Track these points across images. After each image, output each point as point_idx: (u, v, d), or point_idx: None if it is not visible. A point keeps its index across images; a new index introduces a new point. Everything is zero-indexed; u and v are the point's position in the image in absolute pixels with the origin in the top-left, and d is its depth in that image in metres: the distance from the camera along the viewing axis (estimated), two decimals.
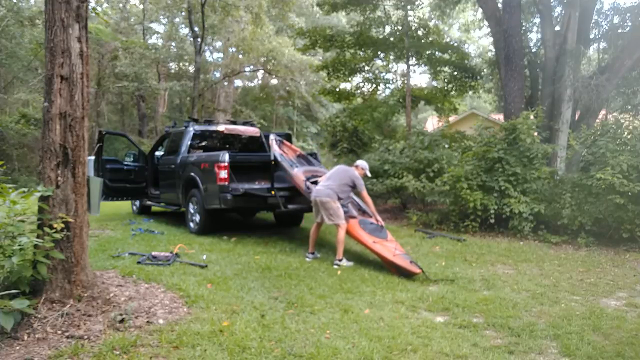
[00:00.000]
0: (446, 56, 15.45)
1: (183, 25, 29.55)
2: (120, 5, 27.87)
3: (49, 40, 3.69)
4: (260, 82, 34.07)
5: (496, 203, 8.09)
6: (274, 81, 31.99)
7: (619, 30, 11.60)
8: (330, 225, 6.31)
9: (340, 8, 15.44)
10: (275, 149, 7.53)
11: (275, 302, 4.29)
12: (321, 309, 4.10)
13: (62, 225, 3.59)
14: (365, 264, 5.96)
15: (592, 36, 11.97)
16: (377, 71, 17.50)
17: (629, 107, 12.17)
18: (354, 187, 6.23)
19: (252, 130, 8.98)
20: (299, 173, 7.17)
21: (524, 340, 3.51)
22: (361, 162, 6.50)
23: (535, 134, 8.78)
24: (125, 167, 9.40)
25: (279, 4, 24.49)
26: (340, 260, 5.94)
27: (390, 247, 5.74)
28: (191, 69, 28.31)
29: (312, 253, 6.30)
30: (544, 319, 4.00)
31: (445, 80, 16.18)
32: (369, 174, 6.66)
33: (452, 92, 16.34)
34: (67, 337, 3.29)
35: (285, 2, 24.10)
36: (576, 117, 10.92)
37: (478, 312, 4.17)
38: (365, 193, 6.23)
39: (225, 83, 30.71)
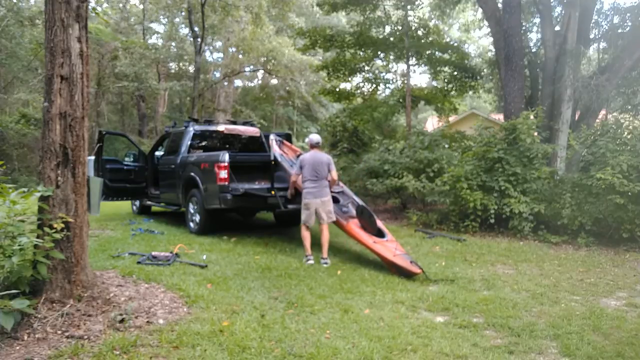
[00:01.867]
0: (446, 56, 15.44)
1: (183, 25, 29.57)
2: (120, 5, 27.86)
3: (49, 40, 3.69)
4: (260, 82, 34.08)
5: (496, 203, 8.09)
6: (274, 81, 32.01)
7: (619, 30, 11.59)
8: (330, 225, 6.27)
9: (340, 8, 15.43)
10: (276, 149, 7.53)
11: (275, 302, 4.29)
12: (321, 309, 4.10)
13: (62, 225, 3.59)
14: (365, 264, 5.96)
15: (592, 36, 11.96)
16: (377, 71, 17.49)
17: (629, 107, 12.15)
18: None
19: (252, 130, 8.98)
20: None
21: (524, 340, 3.51)
22: (314, 138, 6.32)
23: (535, 134, 8.78)
24: (125, 167, 9.40)
25: (279, 4, 24.48)
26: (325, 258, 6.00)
27: (390, 247, 5.74)
28: (191, 69, 28.32)
29: (311, 255, 6.11)
30: (544, 319, 4.00)
31: (445, 80, 16.17)
32: None
33: (452, 92, 16.33)
34: (67, 337, 3.29)
35: (285, 2, 24.09)
36: (576, 117, 10.92)
37: (478, 312, 4.17)
38: (335, 173, 6.21)
39: (225, 83, 30.71)
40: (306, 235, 6.12)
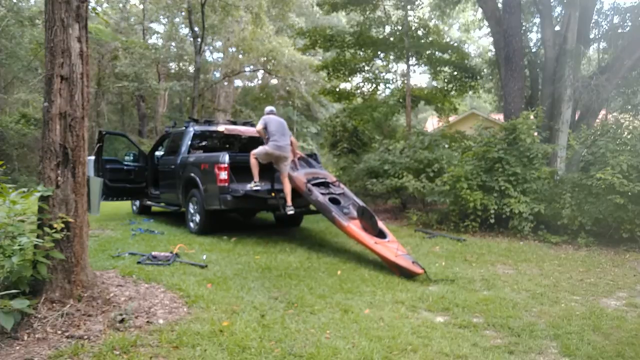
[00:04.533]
0: (446, 56, 15.43)
1: (183, 25, 29.56)
2: (120, 5, 27.87)
3: (49, 40, 3.69)
4: (260, 82, 34.08)
5: (496, 203, 8.09)
6: (274, 81, 32.00)
7: (619, 30, 11.61)
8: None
9: (340, 8, 15.43)
10: None
11: (275, 302, 4.29)
12: (321, 309, 4.10)
13: (62, 225, 3.59)
14: (365, 264, 5.96)
15: (592, 36, 11.98)
16: (377, 71, 17.48)
17: (629, 107, 12.18)
18: None
19: (252, 131, 8.97)
20: (300, 175, 7.19)
21: (524, 340, 3.51)
22: (270, 107, 7.51)
23: (535, 134, 8.78)
24: (125, 167, 9.40)
25: (279, 4, 24.49)
26: (289, 206, 6.90)
27: (392, 248, 5.74)
28: (191, 69, 28.32)
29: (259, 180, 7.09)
30: (544, 319, 4.00)
31: (445, 80, 16.17)
32: None
33: (452, 92, 16.32)
34: (67, 337, 3.29)
35: (285, 2, 24.10)
36: (576, 117, 10.92)
37: (478, 312, 4.17)
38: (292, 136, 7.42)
39: (225, 83, 30.72)
40: (255, 164, 7.10)
